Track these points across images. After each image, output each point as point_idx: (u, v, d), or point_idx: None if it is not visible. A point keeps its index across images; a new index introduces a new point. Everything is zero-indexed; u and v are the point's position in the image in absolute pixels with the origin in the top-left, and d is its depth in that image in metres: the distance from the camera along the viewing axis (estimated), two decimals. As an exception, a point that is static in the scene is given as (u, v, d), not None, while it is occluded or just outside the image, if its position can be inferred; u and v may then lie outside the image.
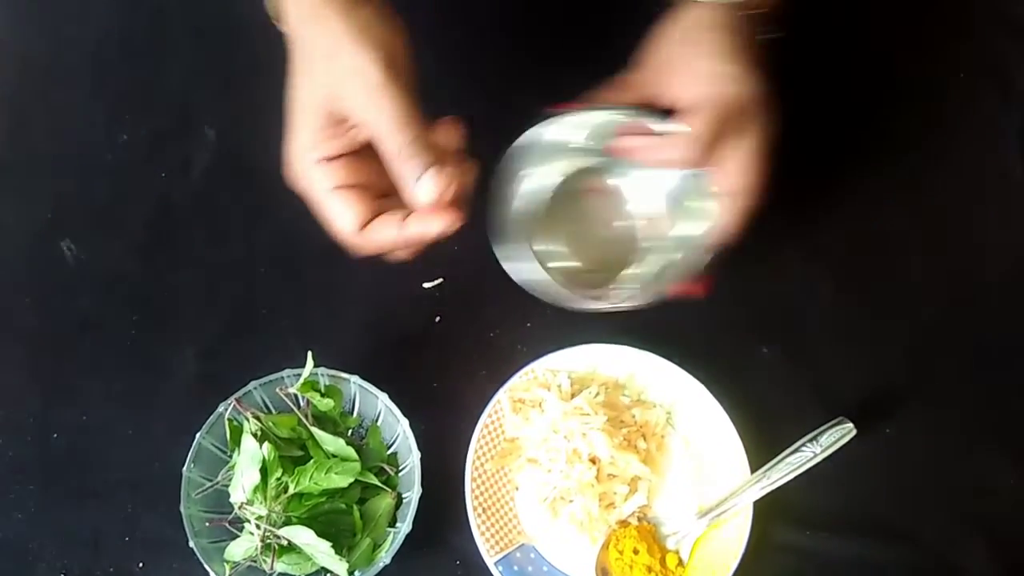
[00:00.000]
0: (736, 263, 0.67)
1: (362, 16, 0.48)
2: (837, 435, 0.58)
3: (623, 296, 0.58)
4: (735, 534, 0.58)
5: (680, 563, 0.59)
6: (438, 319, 0.66)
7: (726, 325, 0.66)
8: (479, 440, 0.60)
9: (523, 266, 0.57)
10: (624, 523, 0.59)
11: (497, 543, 0.58)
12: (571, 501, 0.59)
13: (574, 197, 0.62)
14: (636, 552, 0.58)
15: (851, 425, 0.58)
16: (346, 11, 0.48)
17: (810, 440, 0.58)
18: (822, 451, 0.58)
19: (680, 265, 0.58)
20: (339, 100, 0.48)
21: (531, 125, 0.58)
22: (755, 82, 0.55)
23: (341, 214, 0.49)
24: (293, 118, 0.50)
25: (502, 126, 0.60)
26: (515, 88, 0.69)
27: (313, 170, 0.50)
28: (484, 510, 0.59)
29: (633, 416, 0.62)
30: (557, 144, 0.59)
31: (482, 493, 0.59)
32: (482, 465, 0.60)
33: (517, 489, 0.61)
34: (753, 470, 0.59)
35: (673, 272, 0.58)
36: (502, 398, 0.61)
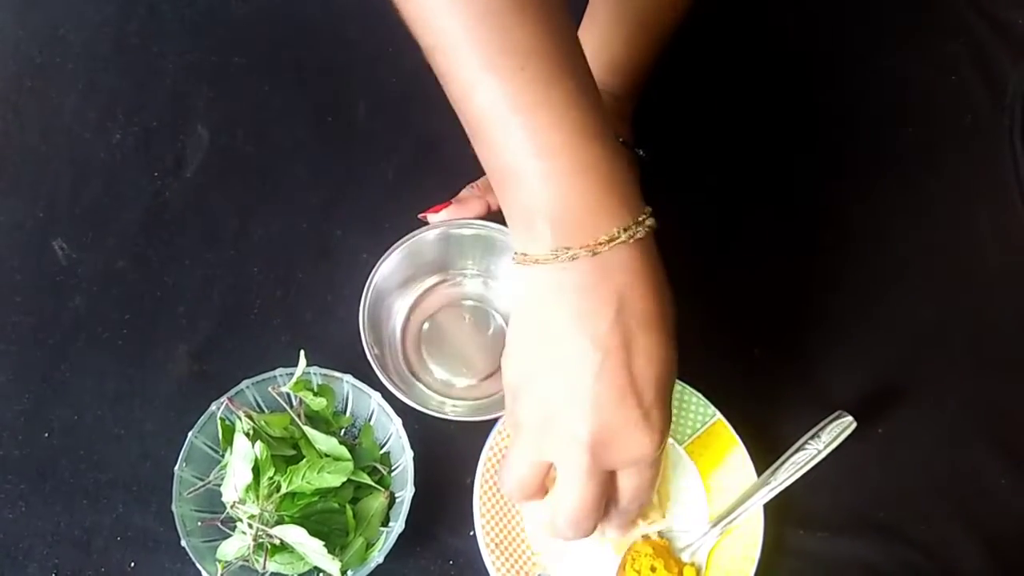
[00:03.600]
0: (727, 265, 0.68)
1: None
2: (838, 429, 0.58)
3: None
4: (748, 540, 0.58)
5: (699, 575, 0.59)
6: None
7: (718, 328, 0.66)
8: (483, 474, 0.59)
9: (414, 396, 0.58)
10: (645, 538, 0.59)
11: None
12: None
13: (445, 313, 0.65)
14: (654, 570, 0.58)
15: (851, 418, 0.58)
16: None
17: (811, 437, 0.58)
18: (825, 447, 0.58)
19: None
20: (611, 445, 0.43)
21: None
22: None
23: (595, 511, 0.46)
24: (658, 390, 0.43)
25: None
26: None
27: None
28: (497, 544, 0.58)
29: None
30: (415, 266, 0.64)
31: (493, 528, 0.58)
32: (490, 499, 0.59)
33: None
34: (758, 473, 0.59)
35: None
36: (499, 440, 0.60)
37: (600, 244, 0.41)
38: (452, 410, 0.60)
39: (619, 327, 0.41)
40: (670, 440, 0.62)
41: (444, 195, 0.63)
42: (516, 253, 0.43)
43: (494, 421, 0.60)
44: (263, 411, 0.59)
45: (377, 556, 0.55)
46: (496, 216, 0.62)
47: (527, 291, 0.43)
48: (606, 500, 0.45)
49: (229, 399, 0.57)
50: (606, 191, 0.41)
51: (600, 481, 0.44)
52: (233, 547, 0.55)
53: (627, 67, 0.63)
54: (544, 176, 0.40)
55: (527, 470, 0.46)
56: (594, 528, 0.46)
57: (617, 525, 0.48)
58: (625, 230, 0.41)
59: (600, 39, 0.64)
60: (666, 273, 0.43)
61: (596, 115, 0.41)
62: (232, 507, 0.55)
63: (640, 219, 0.42)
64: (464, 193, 0.62)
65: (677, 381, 0.61)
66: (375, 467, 0.59)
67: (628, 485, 0.45)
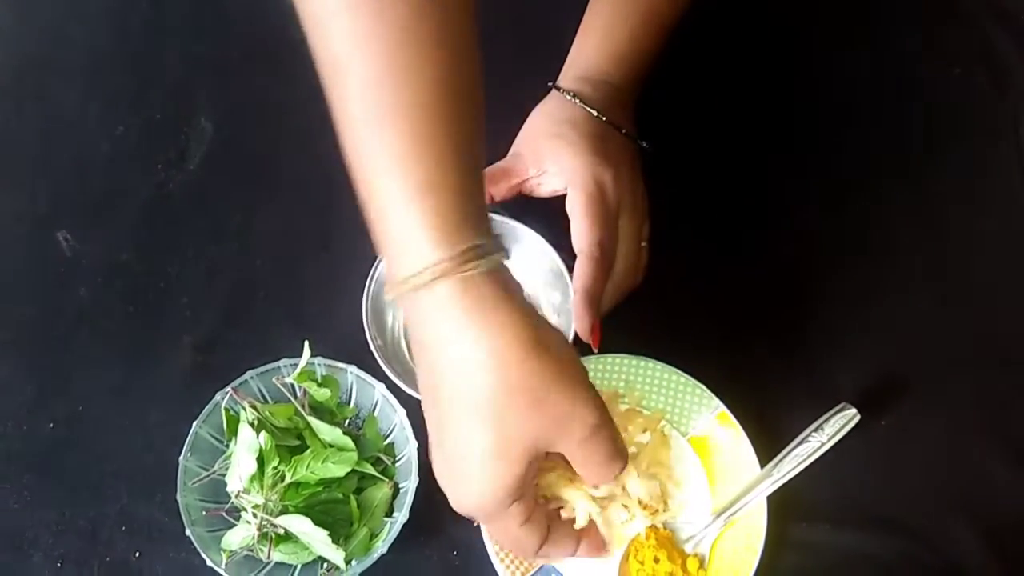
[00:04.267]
0: (731, 257, 0.68)
1: (566, 347, 0.43)
2: (841, 421, 0.58)
3: None
4: (752, 531, 0.58)
5: (702, 566, 0.58)
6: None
7: (722, 320, 0.66)
8: None
9: (416, 388, 0.58)
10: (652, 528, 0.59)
11: (517, 568, 0.57)
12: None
13: None
14: (657, 560, 0.58)
15: (854, 410, 0.58)
16: (547, 344, 0.41)
17: (815, 430, 0.58)
18: (828, 439, 0.58)
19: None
20: (549, 446, 0.42)
21: None
22: (614, 172, 0.59)
23: (529, 543, 0.46)
24: (483, 459, 0.41)
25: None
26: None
27: (510, 511, 0.44)
28: None
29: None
30: None
31: None
32: None
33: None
34: (762, 465, 0.59)
35: None
36: None
37: (394, 290, 0.40)
38: None
39: (423, 384, 0.43)
40: (674, 431, 0.62)
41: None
42: None
43: None
44: (267, 402, 0.59)
45: (381, 546, 0.55)
46: (498, 206, 0.62)
47: None
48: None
49: (234, 390, 0.58)
50: (393, 231, 0.40)
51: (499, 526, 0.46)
52: (238, 537, 0.55)
53: (629, 57, 0.63)
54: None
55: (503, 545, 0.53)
56: (526, 554, 0.49)
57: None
58: (417, 275, 0.39)
59: (603, 29, 0.64)
60: (482, 330, 0.40)
61: (435, 160, 0.40)
62: (237, 497, 0.55)
63: (426, 266, 0.39)
64: None
65: (680, 373, 0.61)
66: (379, 457, 0.59)
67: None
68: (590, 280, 0.57)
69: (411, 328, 0.43)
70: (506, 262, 0.42)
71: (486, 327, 0.39)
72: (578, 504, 0.49)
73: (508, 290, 0.41)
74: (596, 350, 0.60)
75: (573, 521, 0.49)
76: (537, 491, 0.48)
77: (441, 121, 0.40)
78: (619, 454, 0.45)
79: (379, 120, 0.40)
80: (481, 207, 0.42)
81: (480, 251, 0.39)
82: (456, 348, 0.40)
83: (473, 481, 0.42)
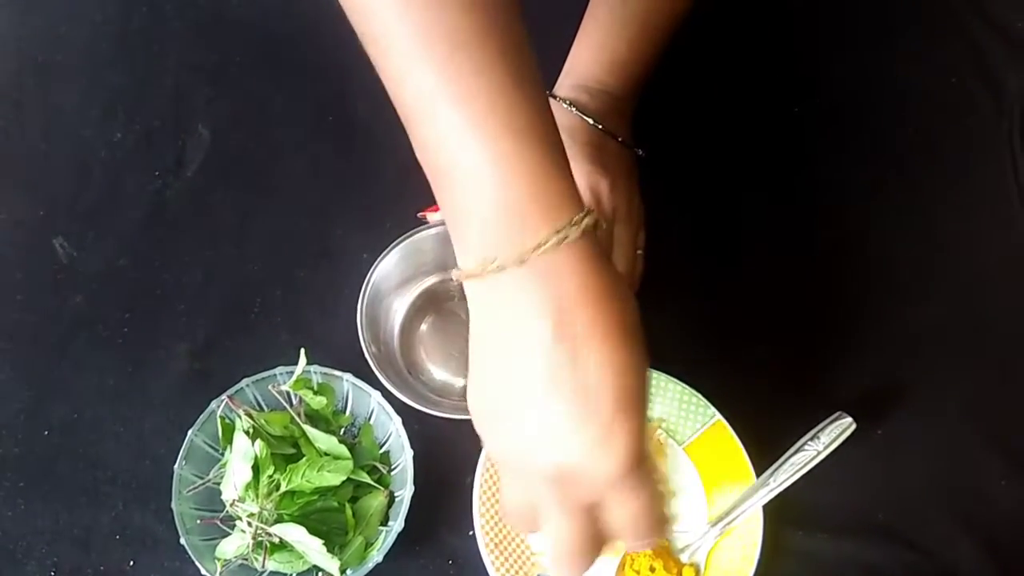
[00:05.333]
0: (727, 265, 0.68)
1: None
2: (837, 431, 0.58)
3: None
4: (748, 541, 0.58)
5: (698, 575, 0.59)
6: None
7: (717, 329, 0.66)
8: (483, 474, 0.59)
9: (412, 395, 0.59)
10: None
11: None
12: None
13: (444, 313, 0.65)
14: (653, 570, 0.58)
15: (850, 419, 0.58)
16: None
17: (811, 438, 0.58)
18: (824, 448, 0.58)
19: None
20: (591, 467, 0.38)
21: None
22: (610, 181, 0.59)
23: (658, 515, 0.41)
24: (638, 387, 0.39)
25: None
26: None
27: (646, 467, 0.40)
28: (496, 544, 0.58)
29: None
30: (414, 266, 0.64)
31: (493, 527, 0.58)
32: (490, 499, 0.59)
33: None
34: (758, 474, 0.59)
35: None
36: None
37: (527, 251, 0.36)
38: (451, 409, 0.60)
39: (561, 343, 0.37)
40: (670, 440, 0.62)
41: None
42: (455, 269, 0.39)
43: None
44: (263, 409, 0.59)
45: (376, 555, 0.55)
46: None
47: (472, 313, 0.39)
48: (602, 535, 0.41)
49: (229, 397, 0.57)
50: (531, 191, 0.37)
51: (580, 518, 0.40)
52: (232, 545, 0.55)
53: (627, 66, 0.63)
54: (466, 175, 0.37)
55: (519, 507, 0.42)
56: (590, 563, 0.42)
57: (634, 548, 0.44)
58: (557, 232, 0.37)
59: (600, 39, 0.64)
60: (615, 274, 0.39)
61: (527, 108, 0.37)
62: (231, 505, 0.55)
63: (574, 220, 0.37)
64: None
65: (677, 382, 0.61)
66: (375, 466, 0.59)
67: (616, 517, 0.40)
68: None
69: (530, 292, 0.37)
70: None
71: (617, 278, 0.39)
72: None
73: (595, 254, 0.39)
74: None
75: None
76: None
77: (529, 79, 0.38)
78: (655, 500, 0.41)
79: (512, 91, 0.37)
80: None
81: (582, 217, 0.38)
82: (595, 286, 0.38)
83: (631, 431, 0.38)
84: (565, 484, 0.39)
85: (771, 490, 0.58)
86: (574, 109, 0.61)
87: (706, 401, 0.61)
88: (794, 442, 0.59)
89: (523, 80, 0.38)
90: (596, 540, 0.41)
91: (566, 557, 0.41)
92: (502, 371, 0.39)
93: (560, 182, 0.38)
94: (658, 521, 0.41)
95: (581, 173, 0.58)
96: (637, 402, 0.38)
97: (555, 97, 0.62)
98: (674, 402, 0.62)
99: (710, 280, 0.67)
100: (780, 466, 0.58)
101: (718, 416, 0.60)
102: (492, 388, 0.40)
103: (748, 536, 0.58)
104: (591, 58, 0.64)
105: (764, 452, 0.60)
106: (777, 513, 0.59)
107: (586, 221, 0.37)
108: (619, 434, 0.37)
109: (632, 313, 0.39)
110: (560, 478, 0.38)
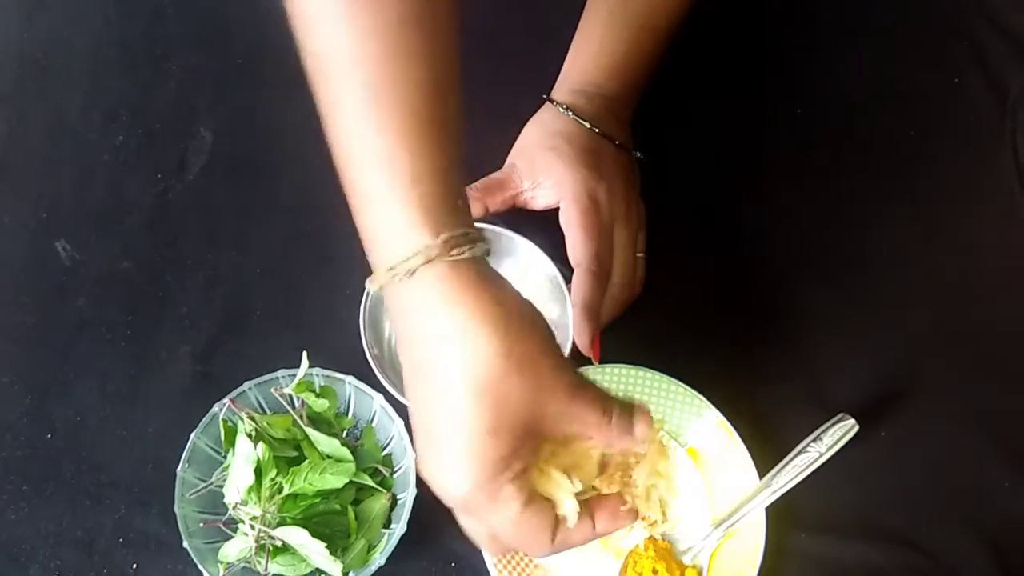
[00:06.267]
0: (728, 267, 0.68)
1: (542, 318, 0.43)
2: (840, 432, 0.58)
3: None
4: (750, 543, 0.58)
5: None
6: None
7: (719, 331, 0.66)
8: None
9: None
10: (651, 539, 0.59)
11: None
12: None
13: None
14: (655, 572, 0.58)
15: (853, 421, 0.58)
16: (534, 317, 0.42)
17: (814, 440, 0.58)
18: (827, 450, 0.57)
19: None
20: (542, 414, 0.41)
21: None
22: (608, 185, 0.59)
23: (539, 529, 0.43)
24: (476, 435, 0.40)
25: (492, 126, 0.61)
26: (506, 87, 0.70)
27: (505, 491, 0.41)
28: None
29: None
30: None
31: None
32: None
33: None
34: (760, 476, 0.59)
35: None
36: None
37: (379, 279, 0.41)
38: None
39: (408, 372, 0.42)
40: (672, 442, 0.62)
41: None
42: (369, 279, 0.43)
43: None
44: (265, 412, 0.59)
45: (379, 558, 0.55)
46: (494, 218, 0.62)
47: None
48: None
49: (231, 400, 0.57)
50: (381, 221, 0.41)
51: (467, 525, 0.45)
52: (235, 548, 0.55)
53: (625, 69, 0.63)
54: (361, 201, 0.42)
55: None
56: (544, 547, 0.44)
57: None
58: (404, 262, 0.40)
59: (597, 42, 0.64)
60: (474, 309, 0.40)
61: (414, 158, 0.41)
62: (234, 508, 0.55)
63: (418, 250, 0.39)
64: None
65: (679, 383, 0.61)
66: (377, 469, 0.59)
67: (474, 532, 0.45)
68: (588, 293, 0.57)
69: (396, 317, 0.43)
70: (502, 272, 0.43)
71: (479, 304, 0.40)
72: (562, 500, 0.45)
73: (494, 273, 0.42)
74: (596, 362, 0.60)
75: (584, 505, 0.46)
76: None
77: (428, 119, 0.41)
78: (607, 400, 0.44)
79: (369, 116, 0.41)
80: (464, 201, 0.43)
81: (468, 237, 0.40)
82: (448, 327, 0.40)
83: (466, 457, 0.40)
84: (444, 503, 0.43)
85: (774, 492, 0.58)
86: (571, 113, 0.61)
87: (708, 403, 0.61)
88: (796, 444, 0.59)
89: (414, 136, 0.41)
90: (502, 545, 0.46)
91: (492, 544, 0.46)
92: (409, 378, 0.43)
93: (406, 214, 0.40)
94: (526, 543, 0.44)
95: (578, 177, 0.58)
96: (467, 446, 0.40)
97: (552, 102, 0.62)
98: (677, 404, 0.62)
99: (712, 281, 0.67)
100: (783, 468, 0.58)
101: (720, 417, 0.60)
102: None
103: (751, 538, 0.58)
104: (588, 62, 0.64)
105: (767, 454, 0.60)
106: (780, 515, 0.59)
107: (416, 257, 0.39)
108: (453, 472, 0.41)
109: (474, 360, 0.39)
110: (439, 496, 0.43)
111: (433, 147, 0.41)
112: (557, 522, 0.44)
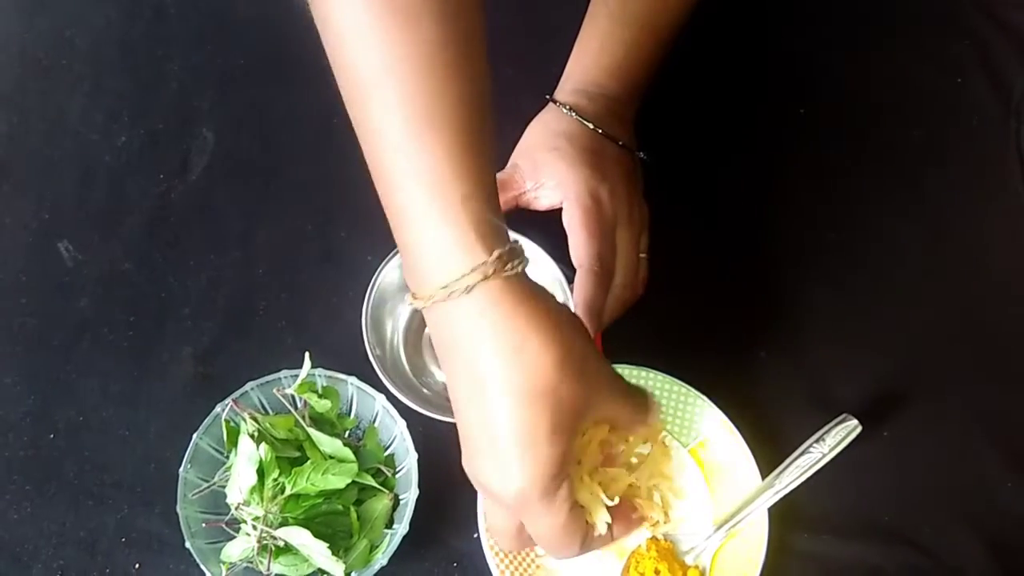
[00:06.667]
0: (731, 267, 0.68)
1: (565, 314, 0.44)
2: (843, 433, 0.58)
3: None
4: (753, 543, 0.58)
5: None
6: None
7: (722, 331, 0.66)
8: None
9: (416, 399, 0.59)
10: (653, 539, 0.59)
11: None
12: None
13: None
14: (657, 572, 0.58)
15: (856, 422, 0.58)
16: (576, 323, 0.44)
17: (816, 440, 0.58)
18: (830, 450, 0.57)
19: None
20: (591, 413, 0.44)
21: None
22: (610, 185, 0.59)
23: (575, 532, 0.45)
24: (537, 438, 0.42)
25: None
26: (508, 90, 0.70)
27: (561, 491, 0.43)
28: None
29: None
30: None
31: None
32: None
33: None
34: (763, 476, 0.59)
35: None
36: None
37: (431, 297, 0.41)
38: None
39: (465, 383, 0.43)
40: (675, 443, 0.62)
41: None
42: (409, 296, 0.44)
43: None
44: (268, 413, 0.59)
45: (381, 558, 0.55)
46: None
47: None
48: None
49: (234, 401, 0.57)
50: (433, 240, 0.41)
51: (513, 523, 0.46)
52: (237, 549, 0.55)
53: (628, 70, 0.63)
54: (400, 220, 0.42)
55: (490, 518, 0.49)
56: (574, 550, 0.46)
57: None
58: (459, 280, 0.40)
59: (600, 42, 0.64)
60: (529, 321, 0.41)
61: (455, 177, 0.41)
62: (236, 509, 0.55)
63: (475, 268, 0.40)
64: None
65: (681, 384, 0.61)
66: (379, 469, 0.59)
67: (531, 532, 0.46)
68: (591, 294, 0.57)
69: (444, 333, 0.43)
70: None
71: (534, 316, 0.41)
72: (598, 510, 0.47)
73: (537, 285, 0.43)
74: None
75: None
76: None
77: (472, 137, 0.42)
78: (638, 393, 0.48)
79: (413, 133, 0.41)
80: (501, 215, 0.43)
81: (514, 252, 0.42)
82: (507, 340, 0.41)
83: (530, 459, 0.42)
84: (493, 502, 0.45)
85: (776, 492, 0.58)
86: (574, 114, 0.61)
87: (711, 403, 0.61)
88: (799, 444, 0.59)
89: (465, 149, 0.42)
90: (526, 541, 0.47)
91: (547, 548, 0.47)
92: (453, 398, 0.45)
93: (466, 232, 0.41)
94: (561, 545, 0.46)
95: (580, 178, 0.58)
96: (528, 448, 0.42)
97: (555, 102, 0.62)
98: (679, 404, 0.61)
99: (714, 282, 0.67)
100: (785, 468, 0.58)
101: (723, 418, 0.60)
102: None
103: (753, 538, 0.58)
104: (591, 62, 0.64)
105: (769, 454, 0.60)
106: (782, 515, 0.58)
107: (474, 274, 0.40)
108: (512, 472, 0.42)
109: (530, 366, 0.41)
110: (489, 497, 0.45)
111: (479, 164, 0.42)
112: (588, 528, 0.46)
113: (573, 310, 0.58)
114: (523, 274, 0.42)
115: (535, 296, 0.42)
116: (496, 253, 0.41)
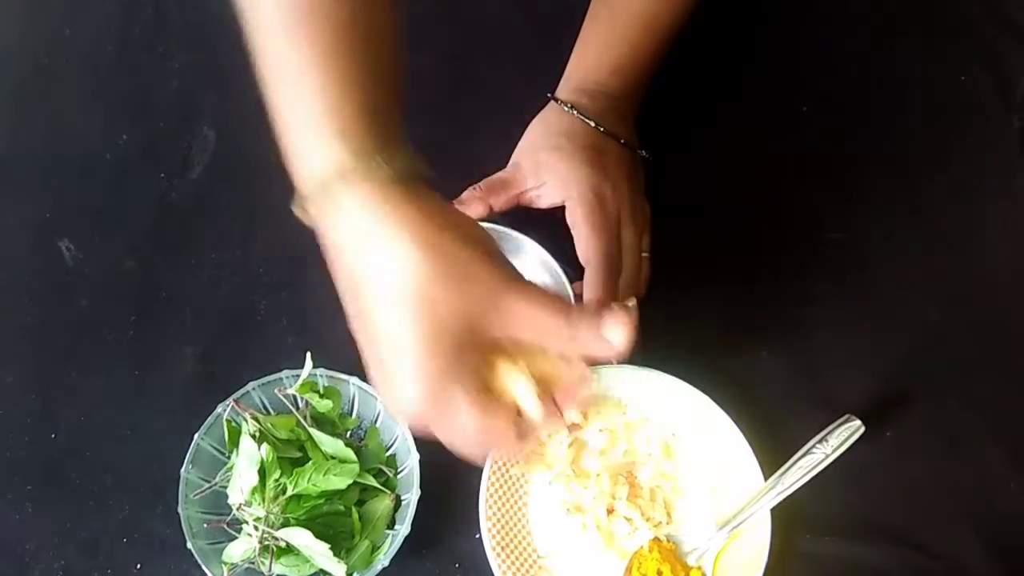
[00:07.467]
0: (733, 267, 0.68)
1: (478, 227, 0.44)
2: (846, 433, 0.58)
3: None
4: (755, 544, 0.57)
5: None
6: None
7: (725, 331, 0.65)
8: (489, 477, 0.59)
9: None
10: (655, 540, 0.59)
11: None
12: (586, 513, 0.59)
13: None
14: (660, 573, 0.57)
15: (859, 422, 0.58)
16: (465, 225, 0.44)
17: (819, 441, 0.58)
18: (832, 451, 0.57)
19: None
20: (482, 322, 0.42)
21: None
22: (612, 183, 0.59)
23: (501, 429, 0.44)
24: (417, 347, 0.41)
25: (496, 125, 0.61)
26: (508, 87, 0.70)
27: (456, 398, 0.42)
28: (503, 548, 0.57)
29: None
30: None
31: (500, 531, 0.58)
32: (497, 502, 0.59)
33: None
34: (766, 477, 0.59)
35: None
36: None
37: (321, 184, 0.42)
38: None
39: (348, 294, 0.43)
40: (678, 443, 0.61)
41: (446, 197, 0.63)
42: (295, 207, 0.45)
43: None
44: (269, 413, 0.59)
45: (383, 559, 0.55)
46: (499, 217, 0.62)
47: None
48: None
49: (235, 401, 0.57)
50: (308, 139, 0.43)
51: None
52: (239, 549, 0.55)
53: (628, 68, 0.63)
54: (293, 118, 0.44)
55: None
56: (485, 450, 0.47)
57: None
58: (350, 170, 0.41)
59: (601, 40, 0.64)
60: (403, 229, 0.41)
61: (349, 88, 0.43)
62: (238, 509, 0.55)
63: (361, 160, 0.41)
64: (466, 195, 0.62)
65: (684, 384, 0.61)
66: (381, 469, 0.59)
67: (446, 438, 0.45)
68: (602, 291, 0.57)
69: (328, 233, 0.44)
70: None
71: (409, 217, 0.41)
72: (521, 396, 0.45)
73: (428, 193, 0.43)
74: (614, 362, 0.58)
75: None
76: None
77: (355, 52, 0.44)
78: (561, 303, 0.44)
79: (298, 41, 0.44)
80: (401, 134, 0.44)
81: (404, 158, 0.42)
82: (379, 241, 0.41)
83: (410, 371, 0.41)
84: (436, 416, 0.43)
85: (779, 493, 0.57)
86: (575, 112, 0.61)
87: (714, 403, 0.60)
88: (802, 445, 0.59)
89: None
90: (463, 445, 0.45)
91: (464, 449, 0.45)
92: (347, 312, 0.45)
93: (333, 128, 0.42)
94: (481, 445, 0.44)
95: (582, 176, 0.58)
96: (407, 361, 0.41)
97: (557, 100, 0.62)
98: (682, 405, 0.61)
99: (716, 282, 0.66)
100: (788, 469, 0.58)
101: (726, 418, 0.60)
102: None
103: (756, 539, 0.58)
104: (593, 60, 0.63)
105: (772, 455, 0.59)
106: (785, 516, 0.58)
107: (349, 173, 0.41)
108: (398, 387, 0.42)
109: (403, 276, 0.41)
110: (429, 411, 0.43)
111: (363, 73, 0.43)
112: (520, 418, 0.44)
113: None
114: (411, 180, 0.42)
115: (416, 201, 0.41)
116: (386, 152, 0.41)
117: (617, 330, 0.44)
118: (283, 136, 0.45)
